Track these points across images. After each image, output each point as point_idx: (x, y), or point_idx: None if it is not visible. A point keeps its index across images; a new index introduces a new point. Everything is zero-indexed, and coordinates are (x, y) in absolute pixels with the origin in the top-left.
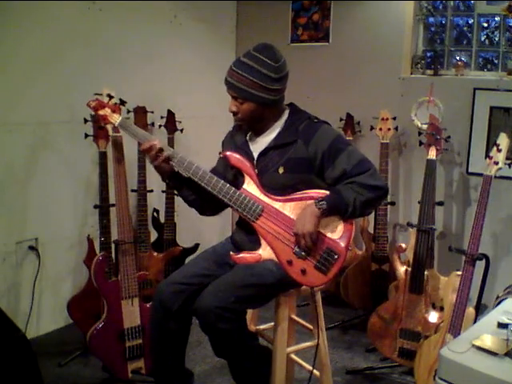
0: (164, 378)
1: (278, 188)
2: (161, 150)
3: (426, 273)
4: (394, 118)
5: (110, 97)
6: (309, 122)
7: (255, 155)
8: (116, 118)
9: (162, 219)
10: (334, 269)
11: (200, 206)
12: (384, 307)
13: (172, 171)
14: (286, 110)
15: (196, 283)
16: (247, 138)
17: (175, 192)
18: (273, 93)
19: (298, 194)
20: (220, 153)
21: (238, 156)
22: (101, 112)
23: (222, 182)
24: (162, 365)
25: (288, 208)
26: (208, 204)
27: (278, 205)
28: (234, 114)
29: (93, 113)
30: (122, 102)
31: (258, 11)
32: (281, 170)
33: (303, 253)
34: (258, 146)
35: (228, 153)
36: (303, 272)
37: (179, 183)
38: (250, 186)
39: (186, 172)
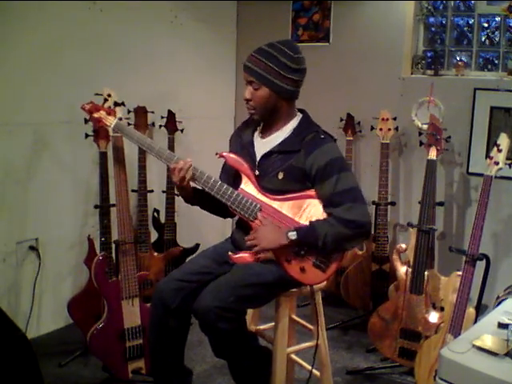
0: (163, 375)
1: (275, 191)
2: (181, 169)
3: (426, 273)
4: (395, 119)
5: (105, 100)
6: (315, 136)
7: (258, 156)
8: (111, 121)
9: (163, 219)
10: (333, 266)
11: (221, 214)
12: (384, 307)
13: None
14: (298, 116)
15: (195, 281)
16: (254, 137)
17: (176, 192)
18: (288, 82)
19: (296, 193)
20: (217, 153)
21: (234, 156)
22: (95, 115)
23: (220, 182)
24: (160, 362)
25: (286, 207)
26: (224, 211)
27: (275, 204)
28: (248, 101)
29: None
30: (117, 104)
31: (259, 11)
32: (280, 176)
33: (302, 251)
34: (262, 147)
35: (225, 153)
36: (302, 270)
37: (199, 199)
38: (248, 186)
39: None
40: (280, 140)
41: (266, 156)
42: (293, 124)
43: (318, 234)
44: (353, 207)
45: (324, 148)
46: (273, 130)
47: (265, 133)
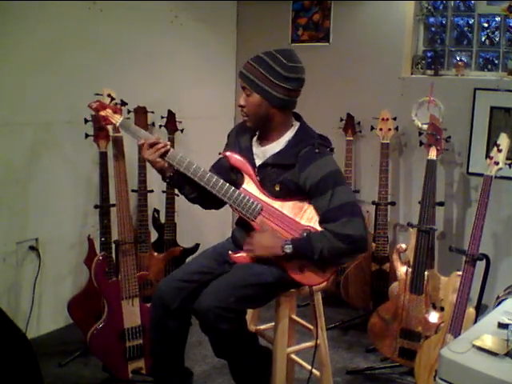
0: (163, 376)
1: (275, 198)
2: (154, 144)
3: (426, 273)
4: (395, 119)
5: (112, 98)
6: (311, 150)
7: (257, 163)
8: (117, 119)
9: (163, 219)
10: (332, 268)
11: (202, 202)
12: (384, 307)
13: (171, 170)
14: (294, 126)
15: (196, 281)
16: (252, 143)
17: (176, 192)
18: (279, 90)
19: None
20: (220, 153)
21: (237, 156)
22: (102, 113)
23: (222, 181)
24: (161, 363)
25: (287, 207)
26: (209, 201)
27: (277, 204)
28: (242, 108)
29: (94, 113)
30: (123, 103)
31: (259, 11)
32: (277, 188)
33: None
34: (260, 155)
35: (228, 153)
36: (302, 271)
37: (180, 182)
38: (250, 186)
39: (186, 172)
40: (276, 151)
41: (262, 167)
42: (289, 135)
43: (313, 249)
44: (349, 222)
45: (318, 163)
46: (269, 141)
47: (261, 140)
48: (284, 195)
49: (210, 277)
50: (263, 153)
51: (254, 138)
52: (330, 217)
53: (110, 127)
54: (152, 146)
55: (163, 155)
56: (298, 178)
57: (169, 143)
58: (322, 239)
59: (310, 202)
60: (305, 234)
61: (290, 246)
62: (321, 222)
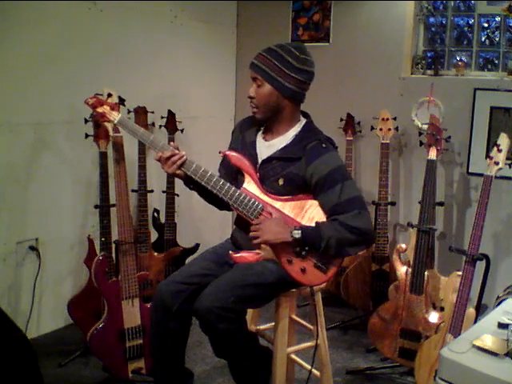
0: (163, 377)
1: (277, 195)
2: (170, 157)
3: (426, 273)
4: (395, 118)
5: (109, 95)
6: (317, 144)
7: (259, 159)
8: (115, 116)
9: (163, 219)
10: (334, 268)
11: (215, 204)
12: (384, 307)
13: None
14: (301, 121)
15: (196, 283)
16: (256, 137)
17: (176, 192)
18: (291, 81)
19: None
20: (220, 152)
21: (237, 155)
22: (99, 109)
23: (223, 181)
24: (161, 364)
25: (288, 207)
26: (218, 202)
27: (278, 204)
28: (251, 99)
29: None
30: (121, 100)
31: (259, 11)
32: (281, 182)
33: (303, 252)
34: (264, 151)
35: (228, 152)
36: (303, 271)
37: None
38: (251, 186)
39: (187, 171)
40: (282, 146)
41: (266, 161)
42: (296, 129)
43: (322, 236)
44: (359, 214)
45: (325, 157)
46: (275, 134)
47: (267, 134)
48: (287, 190)
49: (210, 279)
50: (268, 147)
51: (259, 133)
52: (340, 210)
53: (110, 127)
54: (168, 159)
55: (181, 166)
56: (305, 171)
57: (184, 153)
58: (331, 229)
59: (314, 197)
60: (313, 223)
61: (299, 231)
62: (329, 216)
